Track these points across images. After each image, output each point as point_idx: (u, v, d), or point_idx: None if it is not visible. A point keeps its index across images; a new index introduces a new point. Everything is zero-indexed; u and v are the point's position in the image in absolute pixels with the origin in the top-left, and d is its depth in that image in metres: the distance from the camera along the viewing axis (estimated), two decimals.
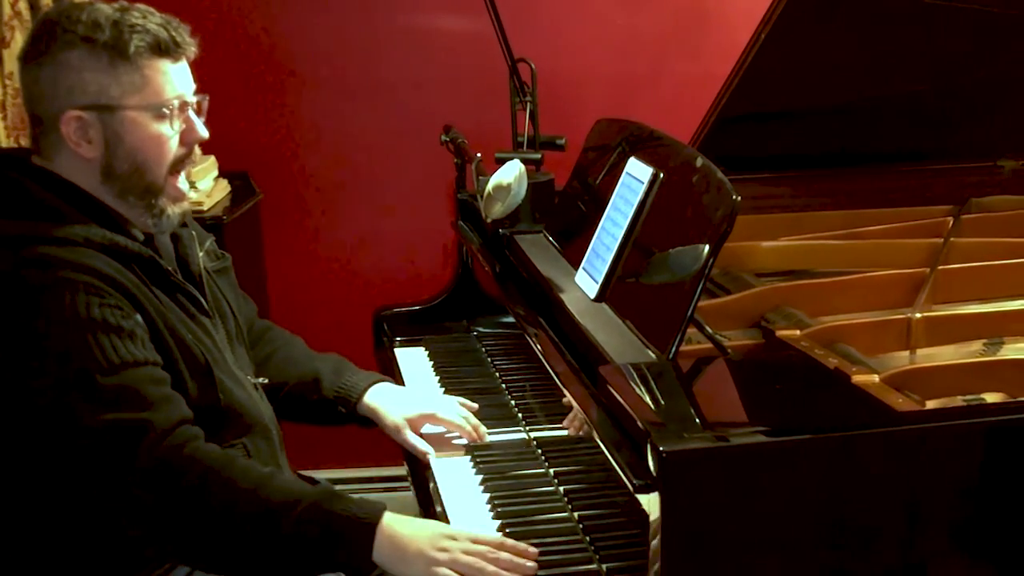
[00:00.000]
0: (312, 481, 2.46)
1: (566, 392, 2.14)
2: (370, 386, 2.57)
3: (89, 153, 2.09)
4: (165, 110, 2.11)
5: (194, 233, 2.35)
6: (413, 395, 2.64)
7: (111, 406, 1.95)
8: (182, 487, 1.98)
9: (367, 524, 2.02)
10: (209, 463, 2.01)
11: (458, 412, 2.56)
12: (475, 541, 2.04)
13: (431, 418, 2.54)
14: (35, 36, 2.10)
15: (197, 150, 2.22)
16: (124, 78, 2.07)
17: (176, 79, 2.13)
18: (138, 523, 2.00)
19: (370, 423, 2.55)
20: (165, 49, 2.10)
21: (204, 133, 2.19)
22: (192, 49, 2.15)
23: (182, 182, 2.20)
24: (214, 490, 2.00)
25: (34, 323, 1.96)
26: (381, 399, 2.55)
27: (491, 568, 1.99)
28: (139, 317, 2.05)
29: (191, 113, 2.17)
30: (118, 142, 2.09)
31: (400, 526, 2.04)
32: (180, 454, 1.99)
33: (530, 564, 2.01)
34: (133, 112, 2.09)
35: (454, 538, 2.04)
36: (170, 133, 2.13)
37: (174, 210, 2.18)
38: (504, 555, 2.01)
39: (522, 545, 2.05)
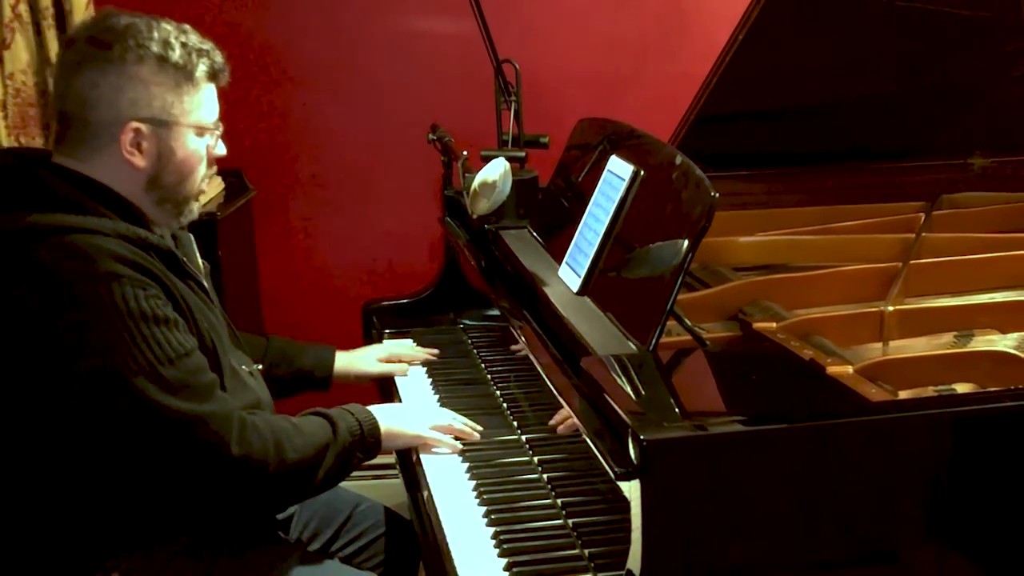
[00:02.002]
0: None
1: (550, 384, 2.14)
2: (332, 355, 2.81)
3: (140, 163, 2.11)
4: (216, 130, 2.20)
5: (191, 236, 2.37)
6: (366, 350, 2.91)
7: (176, 395, 1.99)
8: (258, 460, 2.09)
9: (373, 439, 2.30)
10: (271, 432, 2.12)
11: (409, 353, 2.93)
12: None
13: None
14: (99, 42, 2.08)
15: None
16: (186, 98, 2.12)
17: (216, 103, 2.21)
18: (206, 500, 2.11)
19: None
20: (217, 75, 2.18)
21: (225, 151, 2.26)
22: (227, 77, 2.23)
23: None
24: (281, 457, 2.12)
25: (84, 316, 1.96)
26: (347, 360, 2.83)
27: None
28: (171, 305, 2.07)
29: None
30: (170, 156, 2.13)
31: (390, 418, 2.36)
32: (254, 430, 2.09)
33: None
34: (186, 129, 2.14)
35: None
36: (205, 151, 2.19)
37: (195, 211, 2.26)
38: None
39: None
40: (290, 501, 2.36)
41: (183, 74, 2.10)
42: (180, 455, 2.02)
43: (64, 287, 1.96)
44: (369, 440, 2.29)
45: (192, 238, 2.37)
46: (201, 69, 2.13)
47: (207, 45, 2.16)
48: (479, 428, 2.49)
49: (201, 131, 2.16)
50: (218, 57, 2.17)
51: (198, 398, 2.02)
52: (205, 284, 2.27)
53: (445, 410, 2.53)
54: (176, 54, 2.09)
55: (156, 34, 2.09)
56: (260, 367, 2.49)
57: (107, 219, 2.04)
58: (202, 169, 2.20)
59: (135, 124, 2.08)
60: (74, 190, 2.06)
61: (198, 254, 2.37)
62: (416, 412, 2.49)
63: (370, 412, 2.33)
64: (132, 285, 1.98)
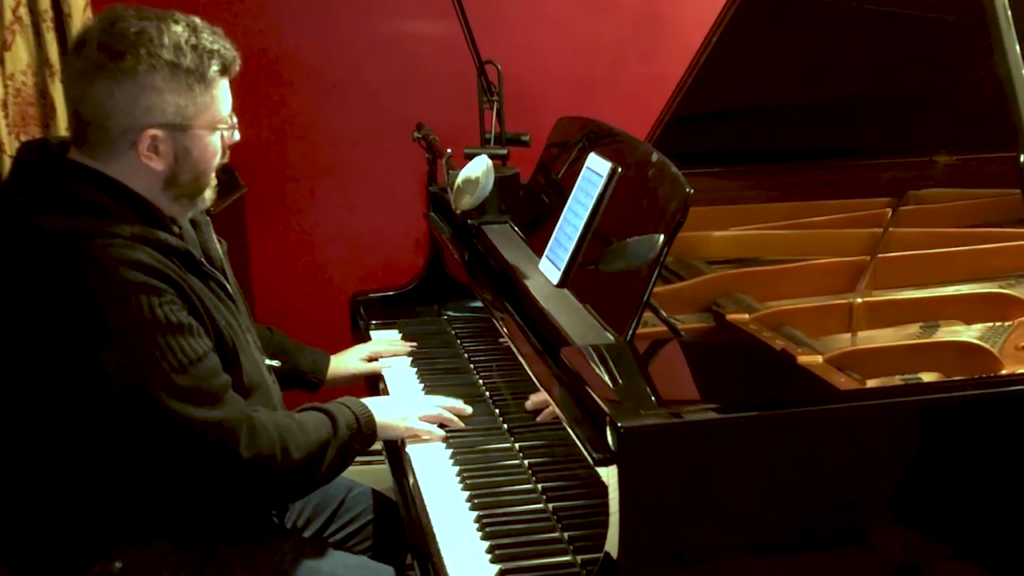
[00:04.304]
0: None
1: (531, 374, 2.13)
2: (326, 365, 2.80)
3: (157, 166, 2.06)
4: (230, 122, 2.15)
5: (209, 219, 2.34)
6: (350, 352, 2.90)
7: (189, 403, 1.97)
8: (264, 457, 2.07)
9: (369, 431, 2.30)
10: (277, 433, 2.10)
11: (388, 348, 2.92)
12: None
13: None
14: (110, 50, 2.01)
15: None
16: (199, 99, 2.06)
17: (229, 95, 2.14)
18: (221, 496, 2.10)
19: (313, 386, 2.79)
20: (229, 69, 2.11)
21: (239, 137, 2.21)
22: (239, 65, 2.16)
23: None
24: (288, 456, 2.11)
25: (98, 326, 1.93)
26: (335, 364, 2.82)
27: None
28: (187, 309, 2.03)
29: None
30: (186, 156, 2.09)
31: (382, 412, 2.35)
32: (263, 430, 2.08)
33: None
34: (201, 129, 2.08)
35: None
36: (220, 143, 2.14)
37: (207, 200, 2.22)
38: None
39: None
40: (294, 496, 2.37)
41: (196, 77, 2.04)
42: (191, 460, 2.00)
43: (81, 296, 1.93)
44: (366, 433, 2.28)
45: (210, 220, 2.35)
46: (213, 69, 2.06)
47: (217, 44, 2.08)
48: (468, 410, 2.49)
49: (216, 126, 2.11)
50: (229, 52, 2.10)
51: (210, 404, 2.00)
52: (226, 284, 2.23)
53: (432, 399, 2.52)
54: (188, 59, 2.03)
55: (167, 39, 2.01)
56: (277, 363, 2.48)
57: (126, 223, 2.00)
58: (217, 161, 2.15)
59: (152, 131, 2.03)
60: (95, 191, 2.02)
61: (215, 237, 2.34)
62: (406, 404, 2.47)
63: (365, 405, 2.32)
64: (147, 293, 1.95)
